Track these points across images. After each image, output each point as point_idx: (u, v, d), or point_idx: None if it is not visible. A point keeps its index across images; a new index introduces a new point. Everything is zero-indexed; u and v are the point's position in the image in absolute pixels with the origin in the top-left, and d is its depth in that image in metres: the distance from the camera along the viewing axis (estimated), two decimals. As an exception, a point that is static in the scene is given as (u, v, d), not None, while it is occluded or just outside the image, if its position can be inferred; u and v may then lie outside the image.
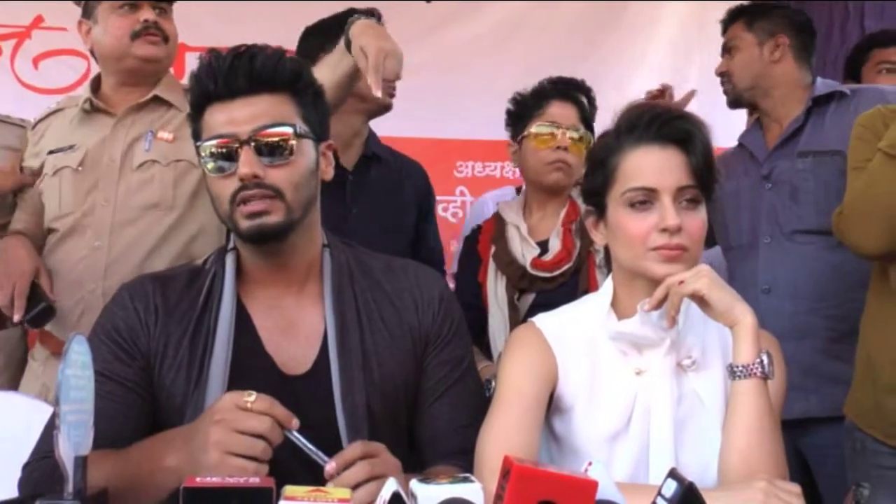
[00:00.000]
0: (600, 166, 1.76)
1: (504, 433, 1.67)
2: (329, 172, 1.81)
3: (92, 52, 2.70)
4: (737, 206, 2.86)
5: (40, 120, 2.73)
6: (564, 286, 2.57)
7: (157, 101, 2.61)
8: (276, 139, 1.66)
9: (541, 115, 2.70)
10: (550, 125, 2.67)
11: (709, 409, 1.71)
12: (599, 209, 1.78)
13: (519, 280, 2.61)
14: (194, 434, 1.49)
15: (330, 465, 1.48)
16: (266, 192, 1.65)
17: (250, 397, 1.46)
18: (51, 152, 2.61)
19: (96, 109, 2.62)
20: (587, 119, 2.73)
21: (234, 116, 1.67)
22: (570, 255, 2.60)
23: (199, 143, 1.71)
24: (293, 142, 1.68)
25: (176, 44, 2.66)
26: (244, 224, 1.66)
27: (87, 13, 2.63)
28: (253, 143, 1.65)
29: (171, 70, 2.74)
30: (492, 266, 2.67)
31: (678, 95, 3.12)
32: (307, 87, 1.75)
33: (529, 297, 2.62)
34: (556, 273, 2.58)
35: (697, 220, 1.70)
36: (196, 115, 1.73)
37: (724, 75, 2.96)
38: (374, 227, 2.70)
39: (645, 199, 1.69)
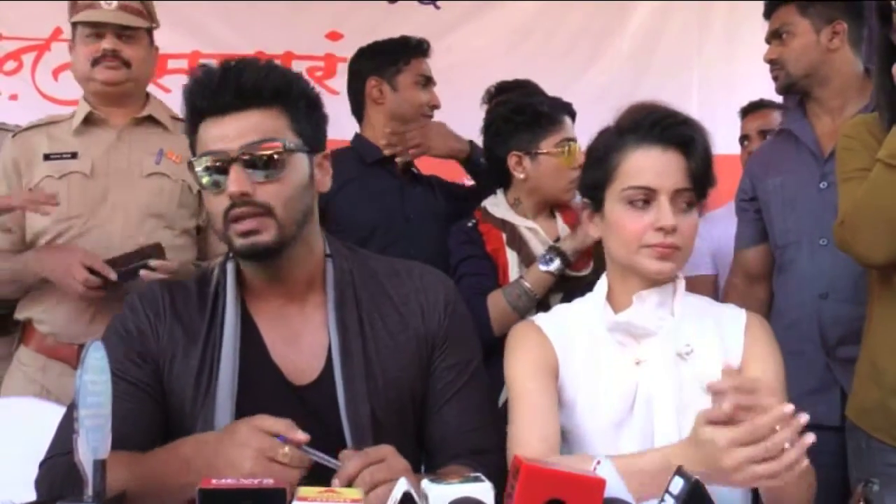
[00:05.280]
0: (600, 162, 1.80)
1: (520, 434, 1.71)
2: (326, 183, 1.79)
3: None
4: (781, 202, 2.80)
5: (22, 132, 2.82)
6: (589, 284, 2.58)
7: (152, 119, 2.77)
8: (265, 154, 1.65)
9: (558, 130, 2.72)
10: (572, 141, 2.70)
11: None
12: (596, 203, 1.82)
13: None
14: (221, 472, 1.45)
15: (334, 483, 1.49)
16: (256, 210, 1.64)
17: (284, 458, 1.46)
18: (47, 157, 2.71)
19: (93, 122, 2.75)
20: None
21: (225, 133, 1.66)
22: (590, 253, 2.63)
23: (192, 159, 1.71)
24: (283, 157, 1.67)
25: (143, 67, 2.78)
26: (238, 242, 1.67)
27: (72, 35, 2.78)
28: (243, 160, 1.64)
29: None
30: (516, 270, 2.67)
31: (679, 95, 3.11)
32: (297, 98, 1.73)
33: (556, 297, 2.64)
34: (585, 273, 2.60)
35: (691, 221, 1.76)
36: (191, 130, 1.73)
37: (775, 62, 2.83)
38: (430, 232, 2.85)
39: (644, 198, 1.74)
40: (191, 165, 1.71)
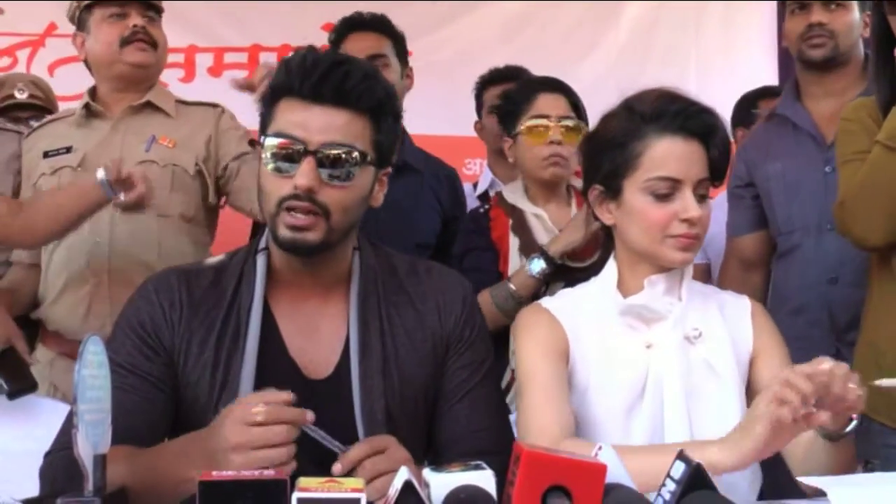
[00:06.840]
0: (619, 148, 1.78)
1: (530, 419, 1.72)
2: (379, 199, 1.79)
3: (87, 63, 2.79)
4: (783, 187, 2.80)
5: (33, 131, 2.81)
6: (591, 274, 2.57)
7: (151, 106, 2.72)
8: (341, 158, 1.65)
9: (530, 108, 2.67)
10: (541, 118, 2.64)
11: (722, 378, 1.75)
12: (611, 190, 1.80)
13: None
14: (212, 455, 1.45)
15: (336, 467, 1.50)
16: (313, 209, 1.64)
17: (258, 415, 1.42)
18: (46, 155, 2.69)
19: (94, 114, 2.72)
20: (577, 106, 2.70)
21: (309, 122, 1.65)
22: (598, 243, 2.61)
23: (264, 136, 1.69)
24: (357, 166, 1.66)
25: (165, 50, 2.77)
26: (283, 232, 1.65)
27: (81, 26, 2.73)
28: (318, 156, 1.64)
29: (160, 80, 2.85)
30: (516, 256, 2.65)
31: (676, 84, 3.08)
32: (388, 114, 1.73)
33: (557, 286, 2.62)
34: (589, 263, 2.58)
35: (707, 210, 1.77)
36: (270, 102, 1.71)
37: (824, 27, 2.74)
38: (400, 232, 2.77)
39: (669, 188, 1.74)
40: (261, 140, 1.68)
